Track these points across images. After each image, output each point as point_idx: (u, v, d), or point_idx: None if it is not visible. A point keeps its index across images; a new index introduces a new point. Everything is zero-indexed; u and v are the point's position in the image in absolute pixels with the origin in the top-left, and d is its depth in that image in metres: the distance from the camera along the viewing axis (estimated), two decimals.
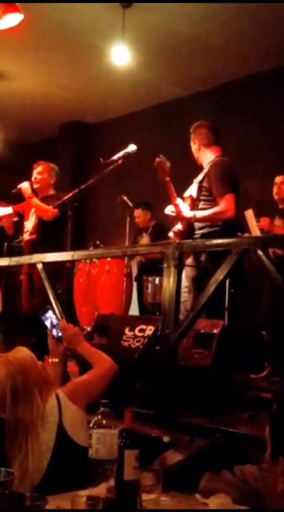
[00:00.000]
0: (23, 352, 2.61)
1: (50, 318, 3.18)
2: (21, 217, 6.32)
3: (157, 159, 4.33)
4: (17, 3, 4.58)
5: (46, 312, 3.23)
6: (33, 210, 5.83)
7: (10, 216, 6.31)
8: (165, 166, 4.32)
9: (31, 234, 5.78)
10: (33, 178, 5.87)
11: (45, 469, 2.38)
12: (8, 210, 6.17)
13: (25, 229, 5.95)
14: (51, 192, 5.84)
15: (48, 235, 5.60)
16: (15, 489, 1.82)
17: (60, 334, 3.07)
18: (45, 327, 3.16)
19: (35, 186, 5.81)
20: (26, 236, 5.85)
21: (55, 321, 3.17)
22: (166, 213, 4.56)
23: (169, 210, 4.50)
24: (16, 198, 6.01)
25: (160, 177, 4.35)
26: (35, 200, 5.69)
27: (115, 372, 2.83)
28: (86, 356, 2.95)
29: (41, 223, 5.67)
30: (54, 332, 3.10)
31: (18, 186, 5.80)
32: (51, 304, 4.40)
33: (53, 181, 5.89)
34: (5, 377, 2.46)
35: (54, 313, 3.24)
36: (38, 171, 5.88)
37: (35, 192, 5.79)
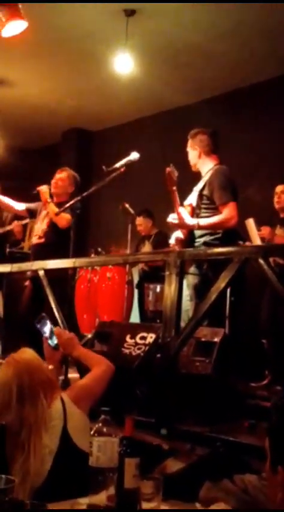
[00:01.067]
0: (29, 353, 2.65)
1: (46, 325, 3.19)
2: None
3: (168, 169, 4.36)
4: (20, 11, 4.59)
5: (42, 319, 3.25)
6: (44, 214, 5.82)
7: (21, 212, 6.28)
8: (174, 176, 4.34)
9: (40, 237, 5.74)
10: (53, 182, 5.84)
11: (47, 473, 2.38)
12: (20, 206, 6.13)
13: (34, 233, 5.92)
14: (67, 200, 5.80)
15: (57, 241, 5.56)
16: (16, 491, 1.82)
17: (55, 341, 3.10)
18: (41, 334, 3.18)
19: (53, 190, 5.78)
20: (34, 240, 5.80)
21: (51, 329, 3.19)
22: (168, 221, 4.57)
23: (171, 218, 4.51)
24: (34, 200, 5.99)
25: (168, 186, 4.38)
26: (52, 206, 5.65)
27: (113, 371, 2.88)
28: (83, 360, 3.01)
29: (52, 228, 5.63)
30: (50, 340, 3.12)
31: (38, 188, 5.76)
32: (52, 311, 4.41)
33: (71, 191, 5.85)
34: (12, 377, 2.49)
35: (50, 320, 3.25)
36: (61, 176, 5.86)
37: (50, 195, 5.77)
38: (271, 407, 1.69)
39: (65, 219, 5.41)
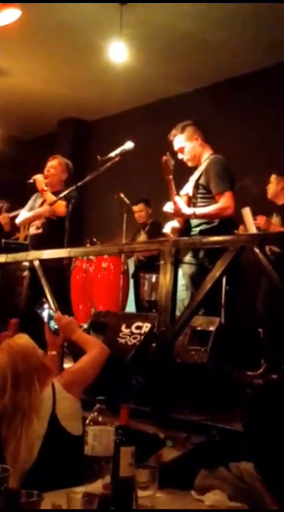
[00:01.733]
0: (24, 339, 2.72)
1: (46, 310, 3.23)
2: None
3: (164, 157, 4.33)
4: (16, 3, 4.57)
5: (42, 305, 3.29)
6: (39, 203, 5.75)
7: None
8: (171, 165, 4.32)
9: (38, 228, 5.69)
10: (45, 171, 5.76)
11: (36, 457, 2.44)
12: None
13: (31, 224, 5.87)
14: (62, 188, 5.75)
15: (56, 232, 5.53)
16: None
17: (56, 326, 3.15)
18: (42, 320, 3.22)
19: (47, 179, 5.69)
20: (32, 230, 5.74)
21: (51, 314, 3.22)
22: (165, 210, 4.55)
23: (168, 207, 4.50)
24: (29, 189, 5.91)
25: (164, 174, 4.36)
26: (49, 194, 5.59)
27: (107, 354, 2.96)
28: (80, 343, 3.07)
29: (50, 219, 5.59)
30: (51, 324, 3.17)
31: (33, 177, 5.69)
32: (47, 301, 4.41)
33: (65, 178, 5.79)
34: (7, 362, 2.55)
35: (50, 306, 3.29)
36: (52, 164, 5.78)
37: (45, 184, 5.71)
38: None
39: (61, 206, 5.37)
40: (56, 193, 5.58)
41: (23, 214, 5.94)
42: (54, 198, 5.44)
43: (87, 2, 6.25)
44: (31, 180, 5.70)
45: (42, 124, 10.09)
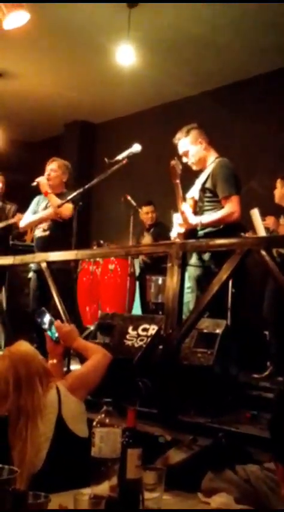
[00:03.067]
0: (25, 345, 2.76)
1: (46, 319, 3.21)
2: None
3: (172, 162, 4.34)
4: (23, 3, 4.57)
5: (41, 313, 3.27)
6: (43, 206, 5.78)
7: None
8: (178, 169, 4.32)
9: (44, 230, 5.70)
10: (45, 175, 5.79)
11: (44, 460, 2.47)
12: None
13: (37, 226, 5.89)
14: (63, 190, 5.78)
15: (62, 234, 5.55)
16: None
17: (56, 334, 3.14)
18: (42, 328, 3.21)
19: (48, 182, 5.72)
20: (38, 233, 5.76)
21: (51, 322, 3.21)
22: (176, 222, 4.54)
23: (176, 219, 4.50)
24: (33, 193, 5.95)
25: (171, 179, 4.37)
26: (53, 197, 5.62)
27: (110, 360, 2.98)
28: (82, 350, 3.13)
29: (56, 221, 5.60)
30: (50, 333, 3.16)
31: (36, 180, 5.71)
32: (55, 303, 4.43)
33: (66, 179, 5.83)
34: (9, 367, 2.59)
35: (50, 314, 3.27)
36: (52, 167, 5.82)
37: None
38: (273, 402, 1.69)
39: (68, 208, 5.39)
40: (58, 195, 5.62)
41: (27, 218, 5.95)
42: (58, 200, 5.47)
43: (96, 2, 6.25)
44: (35, 183, 5.73)
45: (49, 127, 10.11)
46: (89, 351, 3.02)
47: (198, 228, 4.42)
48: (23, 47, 7.22)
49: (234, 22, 6.51)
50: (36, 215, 5.83)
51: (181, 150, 4.67)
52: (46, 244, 5.55)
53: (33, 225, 5.90)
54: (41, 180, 5.70)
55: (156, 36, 6.94)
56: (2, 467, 1.82)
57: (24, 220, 5.98)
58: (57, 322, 3.23)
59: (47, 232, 5.67)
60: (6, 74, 8.21)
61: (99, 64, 7.61)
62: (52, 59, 7.76)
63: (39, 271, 5.55)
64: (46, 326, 3.19)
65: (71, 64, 7.87)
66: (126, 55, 6.77)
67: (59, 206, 5.33)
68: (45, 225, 5.71)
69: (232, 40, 6.91)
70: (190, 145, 4.63)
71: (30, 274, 5.78)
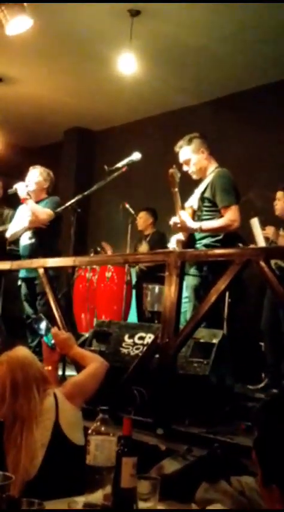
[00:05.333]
0: (23, 351, 2.74)
1: (43, 325, 3.21)
2: None
3: (170, 170, 4.33)
4: (25, 8, 4.56)
5: (38, 320, 3.27)
6: (25, 213, 5.79)
7: None
8: (176, 177, 4.32)
9: (30, 238, 5.72)
10: (27, 181, 5.81)
11: (39, 466, 2.45)
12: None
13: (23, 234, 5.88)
14: (44, 196, 5.82)
15: (48, 240, 5.59)
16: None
17: (53, 341, 3.14)
18: (38, 334, 3.21)
19: (29, 189, 5.73)
20: (24, 241, 5.77)
21: (48, 328, 3.20)
22: (170, 224, 4.53)
23: (173, 220, 4.49)
24: (13, 199, 5.96)
25: (170, 187, 4.36)
26: (31, 202, 5.64)
27: (106, 368, 2.97)
28: (78, 359, 3.12)
29: (40, 227, 5.64)
30: (46, 339, 3.16)
31: (14, 186, 5.73)
32: (51, 309, 4.42)
33: (46, 186, 5.86)
34: (6, 372, 2.57)
35: (47, 320, 3.27)
36: (33, 174, 5.86)
37: (28, 194, 5.73)
38: (252, 420, 1.67)
39: (45, 213, 5.47)
40: (39, 202, 5.65)
41: (12, 228, 5.96)
42: (37, 206, 5.57)
43: (98, 13, 6.27)
44: (13, 189, 5.73)
45: (49, 133, 10.11)
46: (86, 359, 3.02)
47: (198, 232, 4.41)
48: (24, 52, 7.23)
49: (236, 32, 6.52)
50: (19, 224, 5.85)
51: (182, 158, 4.67)
52: (31, 252, 5.57)
53: (19, 234, 5.89)
54: (19, 186, 5.70)
55: (157, 45, 6.95)
56: None
57: (9, 231, 5.99)
58: (54, 330, 3.22)
59: (33, 240, 5.68)
60: (7, 79, 8.20)
61: (100, 72, 7.62)
62: (53, 66, 7.76)
63: (26, 279, 5.58)
64: (43, 332, 3.19)
65: (72, 71, 7.88)
66: (127, 64, 6.78)
67: (56, 212, 5.38)
68: (29, 233, 5.72)
69: (233, 51, 6.92)
70: (191, 154, 4.63)
71: (19, 282, 5.78)
